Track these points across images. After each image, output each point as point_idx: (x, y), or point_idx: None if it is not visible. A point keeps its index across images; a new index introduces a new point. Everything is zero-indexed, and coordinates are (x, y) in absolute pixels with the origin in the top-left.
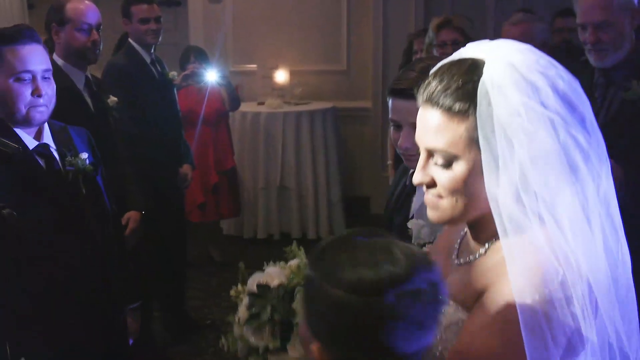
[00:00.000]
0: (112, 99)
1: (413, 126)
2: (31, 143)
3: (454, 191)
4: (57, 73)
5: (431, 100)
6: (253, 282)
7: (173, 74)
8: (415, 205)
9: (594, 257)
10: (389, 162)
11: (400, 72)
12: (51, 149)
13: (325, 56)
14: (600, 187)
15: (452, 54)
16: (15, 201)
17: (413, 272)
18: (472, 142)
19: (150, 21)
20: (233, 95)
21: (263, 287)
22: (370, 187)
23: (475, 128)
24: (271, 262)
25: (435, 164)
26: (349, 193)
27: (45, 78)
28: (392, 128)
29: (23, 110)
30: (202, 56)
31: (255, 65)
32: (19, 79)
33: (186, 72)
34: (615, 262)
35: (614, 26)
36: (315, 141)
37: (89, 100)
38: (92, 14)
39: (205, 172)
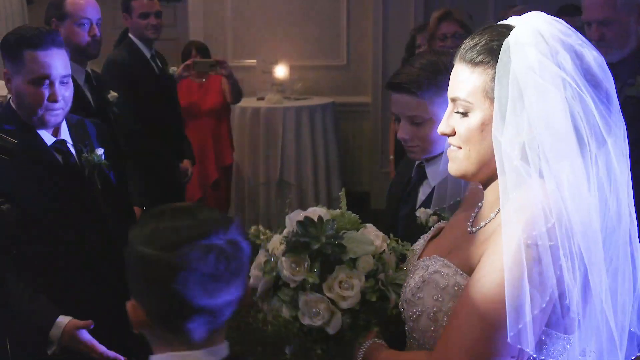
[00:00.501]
0: (113, 94)
1: (409, 119)
2: (49, 139)
3: (468, 140)
4: None
5: (461, 56)
6: (296, 216)
7: (173, 69)
8: (422, 195)
9: (587, 224)
10: (391, 157)
11: (400, 66)
12: (68, 144)
13: (325, 51)
14: (609, 163)
15: (453, 46)
16: (29, 195)
17: (209, 231)
18: (489, 94)
19: (150, 16)
20: (235, 87)
21: (315, 219)
22: (370, 182)
23: (493, 80)
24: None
25: (456, 112)
26: (348, 188)
27: (64, 83)
28: (395, 120)
29: (38, 113)
30: (203, 51)
31: (254, 61)
32: (36, 83)
33: (187, 63)
34: (611, 235)
35: (618, 23)
36: (315, 136)
37: (89, 95)
38: (92, 9)
39: (205, 167)
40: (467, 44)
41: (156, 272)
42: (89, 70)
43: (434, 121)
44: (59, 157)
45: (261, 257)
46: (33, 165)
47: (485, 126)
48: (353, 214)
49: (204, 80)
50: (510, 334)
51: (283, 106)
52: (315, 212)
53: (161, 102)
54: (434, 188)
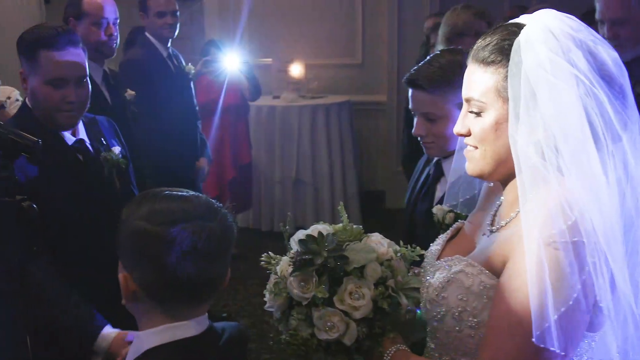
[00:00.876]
0: (130, 92)
1: (424, 115)
2: (69, 139)
3: (483, 140)
4: None
5: (473, 56)
6: (299, 235)
7: (190, 67)
8: (439, 192)
9: (607, 219)
10: None
11: (420, 63)
12: (86, 143)
13: (341, 50)
14: (625, 158)
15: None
16: (52, 195)
17: (203, 211)
18: (502, 93)
19: (166, 15)
20: (254, 83)
21: (315, 236)
22: (385, 181)
23: (505, 79)
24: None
25: (471, 112)
26: (364, 187)
27: (80, 83)
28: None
29: (53, 114)
30: (223, 49)
31: (270, 59)
32: (52, 84)
33: (207, 58)
34: (629, 230)
35: (632, 22)
36: (330, 135)
37: (106, 94)
38: (109, 8)
39: (222, 165)
40: (480, 43)
41: (152, 246)
42: (107, 69)
43: (447, 118)
44: (80, 157)
45: (272, 281)
46: (55, 165)
47: (499, 125)
48: (356, 226)
49: (222, 78)
50: (535, 333)
51: (299, 105)
52: (317, 228)
53: (177, 100)
54: None
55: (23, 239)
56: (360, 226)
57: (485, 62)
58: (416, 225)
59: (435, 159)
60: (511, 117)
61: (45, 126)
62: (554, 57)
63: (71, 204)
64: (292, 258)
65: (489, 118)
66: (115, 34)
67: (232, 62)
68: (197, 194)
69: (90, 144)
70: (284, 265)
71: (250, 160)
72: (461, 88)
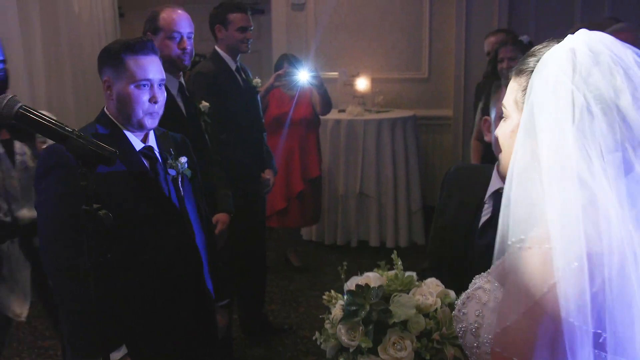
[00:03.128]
0: (204, 104)
1: None
2: (138, 145)
3: (502, 144)
4: None
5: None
6: (352, 283)
7: (257, 81)
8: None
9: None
10: None
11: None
12: (155, 151)
13: (407, 64)
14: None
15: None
16: (118, 199)
17: None
18: (519, 104)
19: (247, 30)
20: (325, 97)
21: (363, 287)
22: None
23: (523, 90)
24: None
25: (501, 116)
26: (428, 202)
27: (160, 86)
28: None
29: (140, 114)
30: (295, 64)
31: (336, 73)
32: (138, 86)
33: (279, 72)
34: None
35: None
36: (395, 149)
37: (182, 105)
38: (184, 23)
39: (290, 178)
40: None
41: None
42: (182, 81)
43: None
44: (146, 162)
45: (326, 323)
46: (123, 170)
47: (513, 133)
48: (408, 273)
49: (295, 92)
50: None
51: (364, 119)
52: (369, 278)
53: (245, 112)
54: None
55: (98, 246)
56: (414, 273)
57: (515, 72)
58: (474, 258)
59: (494, 189)
60: (522, 131)
61: (118, 131)
62: (558, 74)
63: (133, 207)
64: (342, 305)
65: (508, 125)
66: (190, 47)
67: (304, 75)
68: None
69: (159, 153)
70: (337, 309)
71: (320, 174)
72: None
